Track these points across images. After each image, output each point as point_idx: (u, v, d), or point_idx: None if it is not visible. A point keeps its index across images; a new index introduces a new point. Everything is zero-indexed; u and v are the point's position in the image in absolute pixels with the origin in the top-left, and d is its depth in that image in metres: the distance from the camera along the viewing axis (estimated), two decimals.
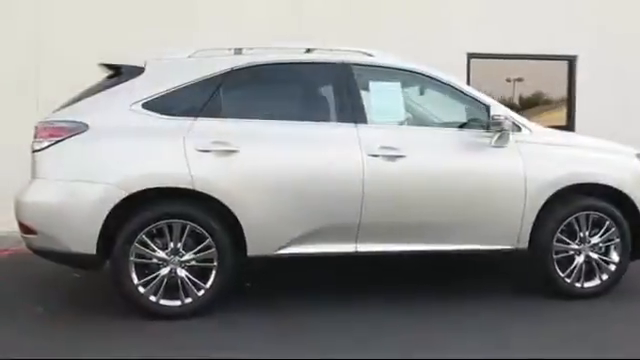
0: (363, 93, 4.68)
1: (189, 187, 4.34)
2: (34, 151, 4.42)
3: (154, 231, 4.33)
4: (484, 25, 8.13)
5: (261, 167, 4.42)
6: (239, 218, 4.37)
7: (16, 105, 7.28)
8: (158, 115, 4.43)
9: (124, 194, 4.26)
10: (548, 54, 8.48)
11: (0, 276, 5.68)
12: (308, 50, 4.98)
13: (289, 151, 4.47)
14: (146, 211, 4.32)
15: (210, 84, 4.55)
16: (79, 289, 5.25)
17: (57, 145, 4.35)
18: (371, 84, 4.77)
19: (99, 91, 4.57)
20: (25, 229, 4.39)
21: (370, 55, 4.87)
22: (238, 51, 4.86)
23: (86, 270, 4.78)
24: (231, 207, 4.37)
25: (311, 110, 4.75)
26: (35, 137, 4.45)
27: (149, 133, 4.39)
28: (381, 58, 4.88)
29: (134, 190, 4.28)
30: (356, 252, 4.57)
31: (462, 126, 4.86)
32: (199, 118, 4.45)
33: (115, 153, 4.33)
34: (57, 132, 4.37)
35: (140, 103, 4.45)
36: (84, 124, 4.36)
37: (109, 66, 4.73)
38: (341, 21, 7.66)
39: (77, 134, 4.35)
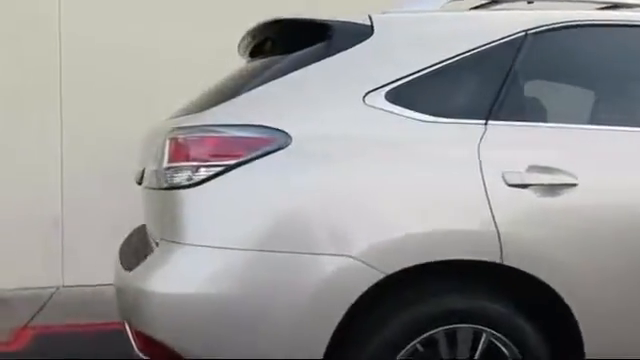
0: None
1: (495, 260, 2.17)
2: (172, 187, 2.17)
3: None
4: None
5: (622, 216, 2.23)
6: (576, 314, 2.22)
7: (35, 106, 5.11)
8: (418, 115, 2.20)
9: (378, 276, 2.09)
10: None
11: None
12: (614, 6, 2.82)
13: None
14: (409, 307, 2.19)
15: (500, 57, 2.38)
16: None
17: (230, 175, 2.12)
18: None
19: (282, 72, 2.34)
20: (157, 349, 2.05)
21: None
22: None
23: None
24: (565, 295, 2.19)
25: None
26: (171, 158, 2.13)
27: (407, 150, 2.24)
28: None
29: (397, 268, 2.12)
30: None
31: None
32: (493, 122, 2.27)
33: (354, 192, 2.15)
34: (230, 149, 2.11)
35: (381, 92, 2.25)
36: (283, 134, 2.11)
37: (292, 25, 2.48)
38: None
39: (270, 153, 2.14)
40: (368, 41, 2.32)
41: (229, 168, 2.10)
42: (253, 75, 2.43)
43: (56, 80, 5.14)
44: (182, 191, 2.14)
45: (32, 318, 4.35)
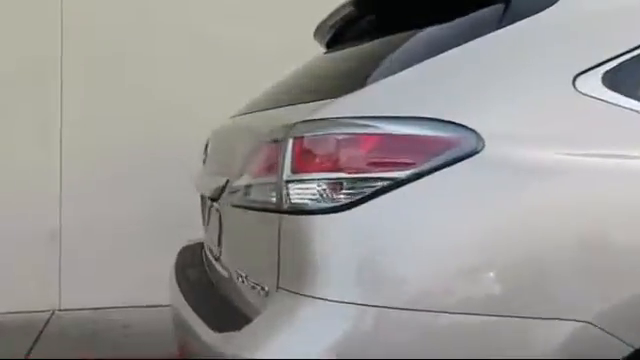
0: None
1: None
2: (298, 211, 1.46)
3: None
4: None
5: None
6: None
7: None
8: None
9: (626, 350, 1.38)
10: None
11: None
12: None
13: None
14: None
15: None
16: None
17: (397, 194, 1.40)
18: None
19: (438, 47, 1.60)
20: None
21: None
22: None
23: None
24: None
25: None
26: (297, 167, 1.39)
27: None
28: None
29: None
30: None
31: None
32: None
33: (586, 225, 1.42)
34: (396, 154, 1.38)
35: (597, 74, 1.48)
36: (472, 134, 1.40)
37: None
38: None
39: (456, 161, 1.41)
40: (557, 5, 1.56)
41: (396, 183, 1.35)
42: (386, 54, 1.67)
43: (57, 74, 4.34)
44: (318, 218, 1.38)
45: (29, 351, 3.60)
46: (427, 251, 1.39)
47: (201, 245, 2.68)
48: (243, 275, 1.67)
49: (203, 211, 2.57)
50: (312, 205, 1.43)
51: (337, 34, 2.32)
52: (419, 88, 1.52)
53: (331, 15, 2.22)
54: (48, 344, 3.78)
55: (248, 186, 1.66)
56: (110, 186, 4.33)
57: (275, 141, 1.55)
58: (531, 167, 1.43)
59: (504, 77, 1.54)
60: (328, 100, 1.54)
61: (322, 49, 2.49)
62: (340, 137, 1.43)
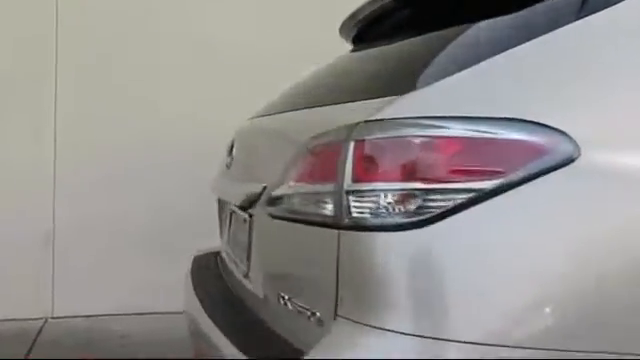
0: None
1: None
2: (362, 227, 1.24)
3: None
4: None
5: None
6: None
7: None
8: None
9: None
10: None
11: None
12: None
13: None
14: None
15: None
16: None
17: (484, 207, 1.20)
18: None
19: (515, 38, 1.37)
20: None
21: None
22: None
23: None
24: None
25: None
26: (361, 174, 1.18)
27: None
28: None
29: None
30: None
31: None
32: None
33: None
34: (483, 160, 1.17)
35: None
36: (567, 140, 1.21)
37: None
38: None
39: (550, 170, 1.20)
40: None
41: (481, 196, 1.13)
42: (449, 49, 1.45)
43: (51, 71, 4.09)
44: (386, 236, 1.17)
45: None
46: (517, 276, 1.18)
47: (215, 255, 2.46)
48: (285, 297, 1.46)
49: (222, 218, 2.35)
50: (378, 220, 1.22)
51: (366, 30, 2.11)
52: (498, 86, 1.31)
53: (361, 9, 2.02)
54: (42, 354, 3.55)
55: (293, 195, 1.45)
56: (105, 188, 4.11)
57: (330, 144, 1.33)
58: (633, 176, 1.22)
59: (589, 75, 1.33)
60: (391, 98, 1.32)
61: (345, 47, 2.29)
62: (415, 140, 1.21)
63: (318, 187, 1.35)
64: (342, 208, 1.27)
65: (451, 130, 1.21)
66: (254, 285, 1.74)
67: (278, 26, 4.17)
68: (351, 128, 1.29)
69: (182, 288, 2.15)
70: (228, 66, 4.15)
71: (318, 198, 1.35)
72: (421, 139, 1.21)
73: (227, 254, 2.14)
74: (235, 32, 4.16)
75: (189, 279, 2.18)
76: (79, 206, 4.08)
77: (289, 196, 1.47)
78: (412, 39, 1.66)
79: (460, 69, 1.34)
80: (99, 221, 4.09)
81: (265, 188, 1.60)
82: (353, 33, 2.20)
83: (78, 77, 4.10)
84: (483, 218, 1.18)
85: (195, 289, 1.95)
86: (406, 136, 1.22)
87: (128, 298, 4.07)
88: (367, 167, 1.26)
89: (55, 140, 4.10)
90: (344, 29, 2.21)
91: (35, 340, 3.75)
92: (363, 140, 1.27)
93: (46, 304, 4.09)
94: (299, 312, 1.41)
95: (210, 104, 4.11)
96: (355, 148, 1.27)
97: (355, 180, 1.26)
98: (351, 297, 1.27)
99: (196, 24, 4.20)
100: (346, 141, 1.28)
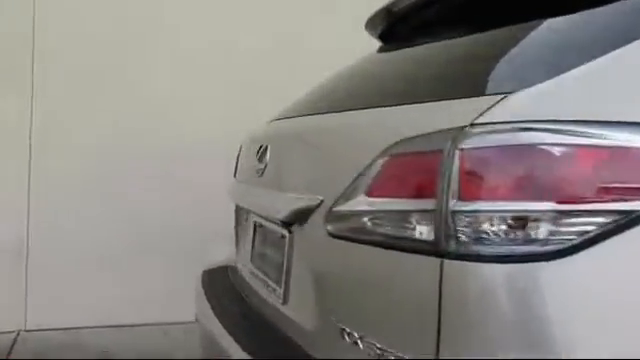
0: None
1: None
2: (468, 257, 1.00)
3: None
4: None
5: None
6: None
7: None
8: None
9: None
10: None
11: None
12: None
13: None
14: None
15: None
16: None
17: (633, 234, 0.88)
18: None
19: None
20: None
21: None
22: None
23: None
24: None
25: None
26: (474, 191, 0.95)
27: None
28: None
29: None
30: None
31: None
32: None
33: None
34: (628, 175, 0.84)
35: None
36: None
37: None
38: None
39: None
40: None
41: (635, 219, 0.90)
42: (551, 44, 1.23)
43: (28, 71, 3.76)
44: (509, 268, 0.94)
45: None
46: None
47: (226, 270, 2.21)
48: (355, 335, 1.21)
49: (239, 230, 2.09)
50: (497, 249, 0.98)
51: (400, 25, 1.89)
52: (623, 85, 1.08)
53: (393, 3, 1.79)
54: None
55: (367, 212, 1.20)
56: (81, 196, 3.80)
57: (425, 152, 1.09)
58: None
59: None
60: (496, 96, 1.09)
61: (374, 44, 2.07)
62: (551, 149, 0.97)
63: (408, 204, 1.11)
64: (446, 232, 1.03)
65: (595, 138, 0.98)
66: (297, 313, 1.49)
67: (262, 22, 3.96)
68: (456, 133, 1.04)
69: (188, 300, 1.90)
70: (204, 66, 3.93)
71: (408, 218, 1.10)
72: (559, 148, 0.98)
73: (249, 270, 1.88)
74: (210, 29, 3.94)
75: (202, 295, 1.92)
76: (53, 215, 3.77)
77: (361, 213, 1.22)
78: (493, 31, 1.42)
79: (573, 65, 1.11)
80: (75, 230, 3.79)
81: (322, 202, 1.35)
82: (380, 28, 1.98)
83: (56, 81, 3.79)
84: (637, 246, 0.96)
85: (220, 318, 1.69)
86: (536, 144, 0.99)
87: (107, 310, 3.79)
88: (480, 182, 1.02)
89: (30, 147, 3.79)
90: (372, 24, 1.99)
91: (10, 352, 3.46)
92: (474, 148, 1.03)
93: (19, 316, 3.77)
94: (377, 353, 1.17)
95: (193, 106, 3.87)
96: (463, 158, 1.02)
97: (462, 198, 1.02)
98: (458, 340, 1.02)
99: (169, 20, 3.94)
100: (450, 149, 1.04)
